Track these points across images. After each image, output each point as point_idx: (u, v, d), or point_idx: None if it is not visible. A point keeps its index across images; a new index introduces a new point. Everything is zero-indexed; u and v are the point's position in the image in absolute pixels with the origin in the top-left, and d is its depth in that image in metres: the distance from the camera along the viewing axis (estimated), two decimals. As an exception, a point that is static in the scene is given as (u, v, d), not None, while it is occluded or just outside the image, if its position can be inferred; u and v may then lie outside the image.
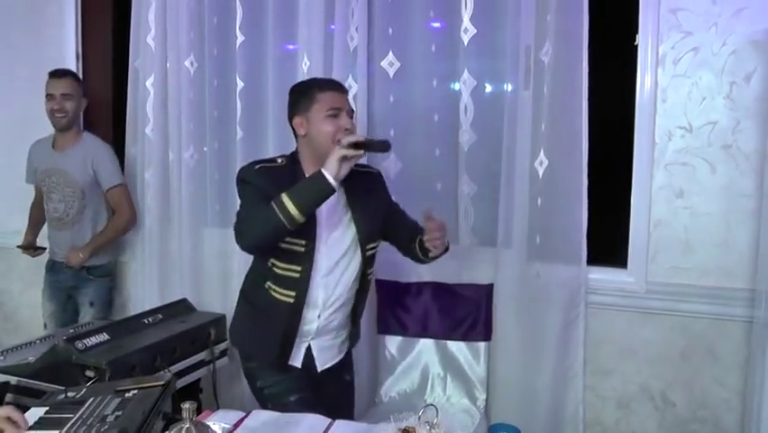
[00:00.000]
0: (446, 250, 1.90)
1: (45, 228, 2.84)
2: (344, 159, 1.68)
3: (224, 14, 2.60)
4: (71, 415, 1.34)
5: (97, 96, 2.89)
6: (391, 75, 2.39)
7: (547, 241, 2.28)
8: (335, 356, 1.97)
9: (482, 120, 2.34)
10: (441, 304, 2.43)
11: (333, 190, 1.68)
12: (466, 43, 2.28)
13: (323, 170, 1.68)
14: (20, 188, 2.92)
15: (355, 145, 1.70)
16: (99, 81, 3.05)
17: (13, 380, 1.83)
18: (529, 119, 2.24)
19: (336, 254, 1.85)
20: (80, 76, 2.90)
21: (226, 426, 1.43)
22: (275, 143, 2.45)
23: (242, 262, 2.32)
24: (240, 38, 2.54)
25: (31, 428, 1.31)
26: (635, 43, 2.20)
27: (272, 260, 1.83)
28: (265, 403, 1.87)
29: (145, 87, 2.72)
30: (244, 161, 2.22)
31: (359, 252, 1.88)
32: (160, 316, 2.29)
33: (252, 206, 1.76)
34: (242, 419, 1.59)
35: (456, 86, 2.37)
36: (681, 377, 2.25)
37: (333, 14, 2.39)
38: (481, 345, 2.39)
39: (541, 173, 2.24)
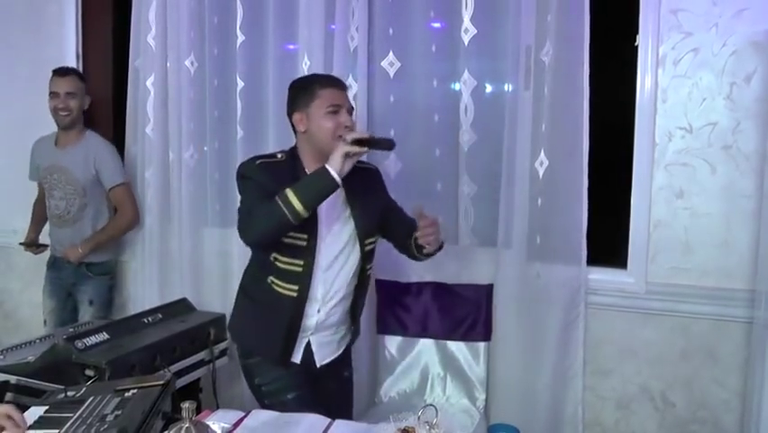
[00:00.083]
0: (440, 247, 1.91)
1: (47, 226, 2.84)
2: (348, 155, 1.69)
3: (224, 14, 2.60)
4: (71, 414, 1.33)
5: (97, 96, 2.88)
6: (391, 75, 2.39)
7: (547, 241, 2.28)
8: (334, 352, 1.97)
9: (483, 120, 2.34)
10: (441, 304, 2.43)
11: (337, 186, 1.69)
12: (466, 43, 2.29)
13: (327, 166, 1.68)
14: (20, 187, 2.92)
15: (359, 142, 1.71)
16: (99, 81, 3.04)
17: (12, 379, 1.82)
18: (529, 119, 2.24)
19: (335, 249, 1.86)
20: (82, 75, 2.90)
21: (226, 425, 1.43)
22: (275, 143, 2.44)
23: (241, 261, 2.30)
24: (240, 37, 2.54)
25: (30, 427, 1.31)
26: (636, 44, 2.20)
27: (275, 254, 1.83)
28: (263, 400, 1.88)
29: (145, 87, 2.72)
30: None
31: (357, 246, 1.88)
32: (160, 315, 2.28)
33: (255, 201, 1.76)
34: (241, 419, 1.59)
35: (456, 86, 2.37)
36: (681, 378, 2.25)
37: (333, 14, 2.39)
38: (481, 345, 2.39)
39: (541, 173, 2.24)
